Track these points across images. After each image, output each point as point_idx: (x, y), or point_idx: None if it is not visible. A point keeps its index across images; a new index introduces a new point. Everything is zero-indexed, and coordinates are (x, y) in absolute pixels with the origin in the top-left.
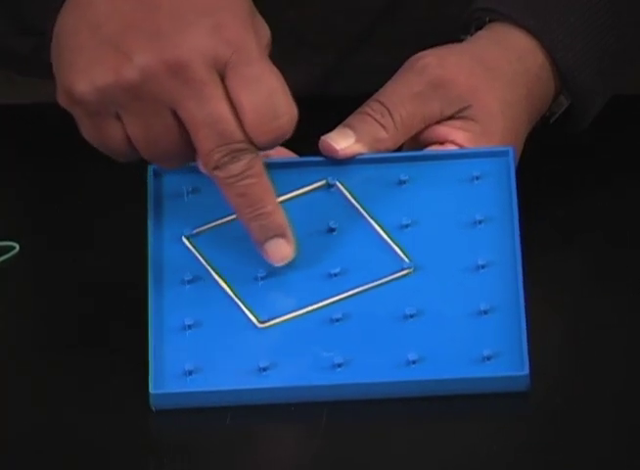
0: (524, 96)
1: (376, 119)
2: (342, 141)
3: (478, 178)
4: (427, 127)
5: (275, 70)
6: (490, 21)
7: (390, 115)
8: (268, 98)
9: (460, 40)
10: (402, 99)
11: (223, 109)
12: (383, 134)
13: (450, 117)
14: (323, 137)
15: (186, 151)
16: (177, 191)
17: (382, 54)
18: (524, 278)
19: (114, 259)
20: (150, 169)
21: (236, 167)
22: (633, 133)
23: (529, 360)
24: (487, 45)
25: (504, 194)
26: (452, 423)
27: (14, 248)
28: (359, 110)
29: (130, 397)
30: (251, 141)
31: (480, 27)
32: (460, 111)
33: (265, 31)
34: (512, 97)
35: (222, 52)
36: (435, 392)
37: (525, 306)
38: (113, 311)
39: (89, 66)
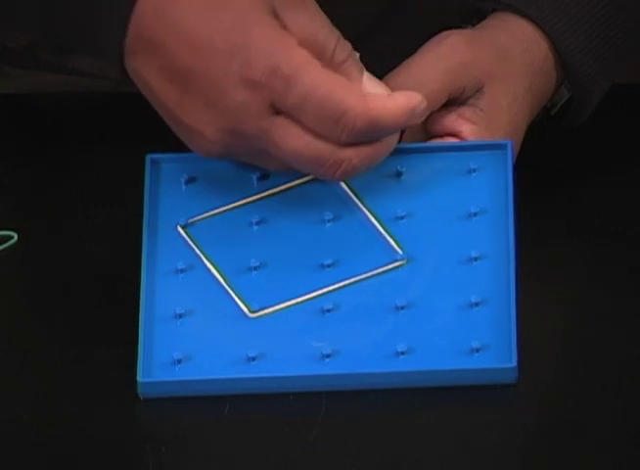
0: (527, 89)
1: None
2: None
3: (475, 171)
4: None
5: (312, 76)
6: (494, 11)
7: (421, 89)
8: (319, 112)
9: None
10: (435, 74)
11: (297, 140)
12: (410, 117)
13: (463, 102)
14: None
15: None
16: (174, 180)
17: (377, 60)
18: (517, 271)
19: (112, 248)
20: (147, 158)
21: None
22: (631, 123)
23: (519, 353)
24: (500, 34)
25: (501, 187)
26: (453, 413)
27: (12, 237)
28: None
29: (126, 385)
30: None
31: (481, 18)
32: (475, 95)
33: (301, 16)
34: (518, 89)
35: (261, 96)
36: (424, 383)
37: (519, 300)
38: (111, 300)
39: (185, 140)
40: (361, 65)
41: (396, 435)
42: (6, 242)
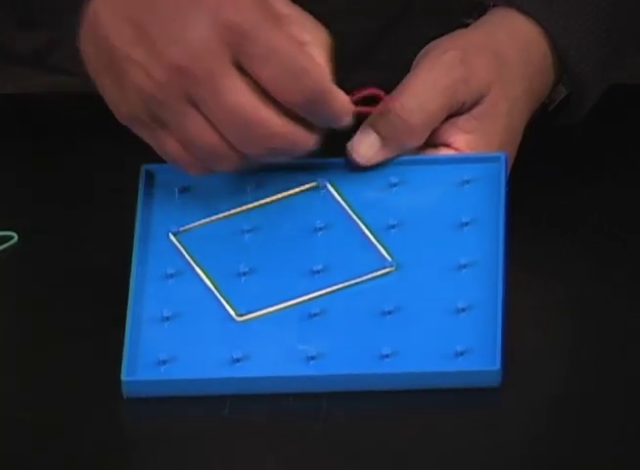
0: (526, 90)
1: (405, 120)
2: (367, 151)
3: (468, 183)
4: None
5: (283, 32)
6: (494, 5)
7: (422, 111)
8: (282, 65)
9: (463, 24)
10: (434, 94)
11: (240, 97)
12: (411, 139)
13: (462, 114)
14: (349, 147)
15: (229, 147)
16: (168, 189)
17: (378, 75)
18: (506, 277)
19: (111, 250)
20: (142, 169)
21: (275, 152)
22: (626, 124)
23: (503, 356)
24: (497, 34)
25: (493, 198)
26: (452, 416)
27: (12, 237)
28: (386, 106)
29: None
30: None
31: (482, 13)
32: (474, 106)
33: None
34: (516, 92)
35: (228, 39)
36: (408, 385)
37: (509, 304)
38: (109, 302)
39: (117, 81)
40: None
41: (396, 436)
42: (6, 242)
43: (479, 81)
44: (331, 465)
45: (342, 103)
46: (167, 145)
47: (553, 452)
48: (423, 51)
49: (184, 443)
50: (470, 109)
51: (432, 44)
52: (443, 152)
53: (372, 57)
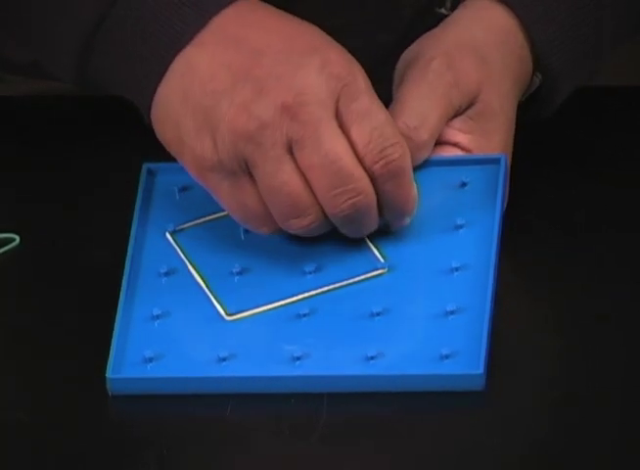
0: (513, 81)
1: (411, 139)
2: None
3: (466, 185)
4: None
5: (379, 102)
6: None
7: (425, 125)
8: (375, 131)
9: (436, 14)
10: (432, 105)
11: (339, 147)
12: (420, 154)
13: (457, 115)
14: None
15: (312, 201)
16: (168, 189)
17: (391, 87)
18: (498, 282)
19: (113, 251)
20: (144, 168)
21: (354, 213)
22: (618, 125)
23: (487, 361)
24: (475, 29)
25: (490, 200)
26: (437, 418)
27: (14, 239)
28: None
29: None
30: (367, 177)
31: (455, 2)
32: (469, 106)
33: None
34: (506, 86)
35: (333, 87)
36: (392, 388)
37: (498, 310)
38: (111, 302)
39: (208, 126)
40: None
41: (397, 438)
42: (8, 244)
43: (469, 83)
44: (330, 466)
45: (414, 193)
46: (248, 196)
47: (539, 455)
48: (404, 59)
49: (179, 441)
50: (465, 110)
51: (411, 51)
52: (449, 151)
53: (388, 68)
